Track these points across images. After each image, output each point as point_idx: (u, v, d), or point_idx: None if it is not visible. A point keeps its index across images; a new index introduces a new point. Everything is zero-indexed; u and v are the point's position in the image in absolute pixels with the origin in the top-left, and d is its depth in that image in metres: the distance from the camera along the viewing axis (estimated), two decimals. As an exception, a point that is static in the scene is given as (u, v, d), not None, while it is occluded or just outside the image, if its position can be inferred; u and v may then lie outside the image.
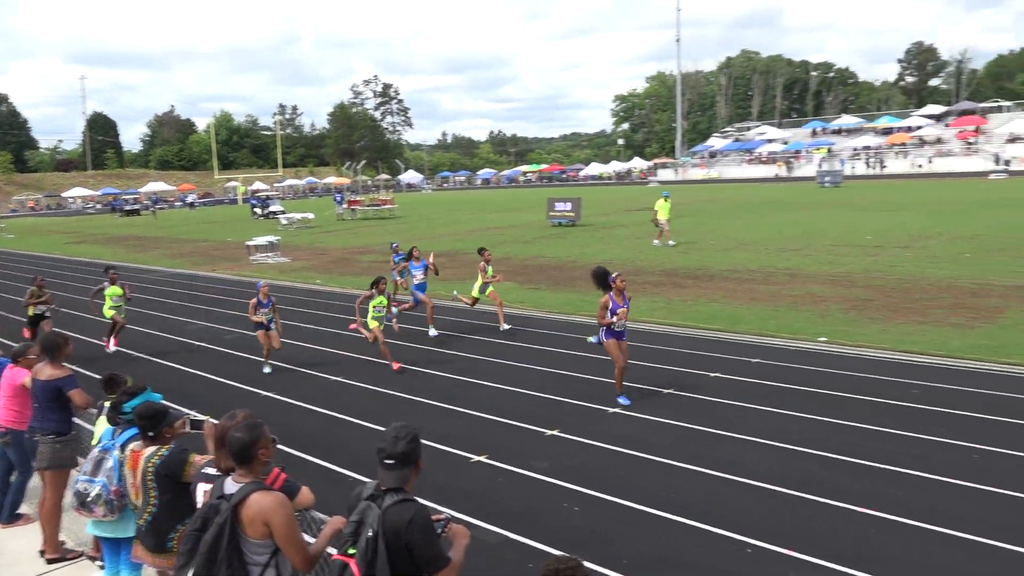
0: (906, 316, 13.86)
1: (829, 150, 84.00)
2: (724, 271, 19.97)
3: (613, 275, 9.78)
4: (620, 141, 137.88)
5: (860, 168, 75.97)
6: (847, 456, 7.73)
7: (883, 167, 75.13)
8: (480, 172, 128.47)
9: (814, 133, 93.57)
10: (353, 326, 12.42)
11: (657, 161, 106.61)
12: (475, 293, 14.41)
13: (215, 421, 4.26)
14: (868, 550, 5.92)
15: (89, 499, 5.05)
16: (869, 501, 6.69)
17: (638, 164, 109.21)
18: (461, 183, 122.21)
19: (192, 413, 4.76)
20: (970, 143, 75.38)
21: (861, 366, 10.97)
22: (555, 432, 8.78)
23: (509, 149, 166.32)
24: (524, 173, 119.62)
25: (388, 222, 44.69)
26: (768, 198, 49.15)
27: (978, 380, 10.13)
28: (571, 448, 8.33)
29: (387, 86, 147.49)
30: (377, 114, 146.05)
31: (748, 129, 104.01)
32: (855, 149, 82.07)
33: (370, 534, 3.31)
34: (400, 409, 9.88)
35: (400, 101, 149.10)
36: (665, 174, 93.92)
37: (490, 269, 14.39)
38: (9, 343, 9.21)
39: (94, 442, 5.54)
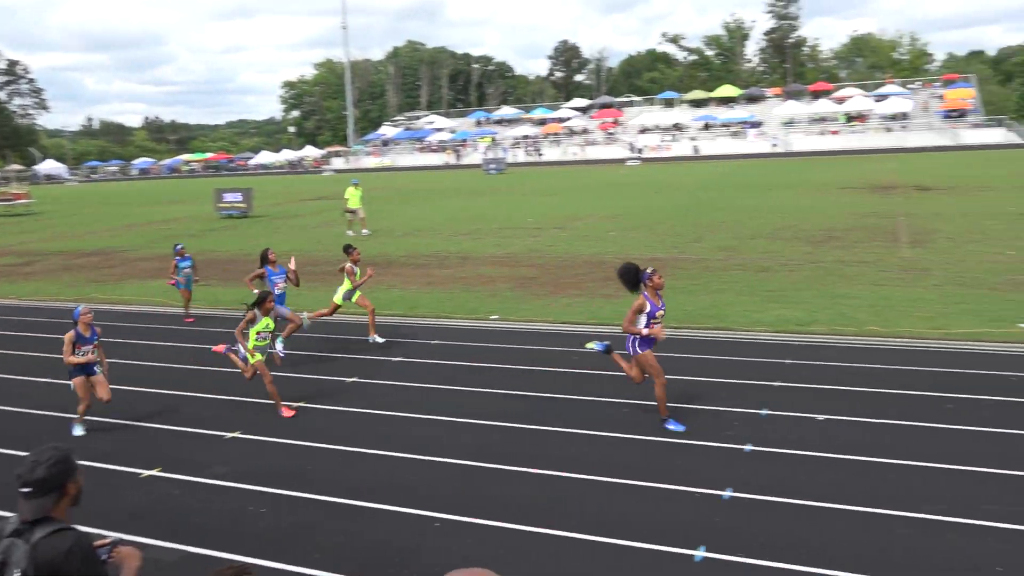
0: (565, 291, 15.27)
1: (493, 139, 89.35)
2: (401, 257, 20.43)
3: (648, 271, 8.15)
4: (291, 129, 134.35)
5: (521, 156, 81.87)
6: (522, 424, 8.35)
7: (540, 155, 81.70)
8: (136, 161, 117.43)
9: (479, 123, 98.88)
10: (218, 348, 9.86)
11: (330, 149, 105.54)
12: (338, 299, 12.20)
13: None
14: (552, 508, 6.46)
15: None
16: (543, 462, 7.30)
17: (311, 152, 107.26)
18: (114, 173, 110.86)
19: None
20: (610, 133, 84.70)
21: (530, 339, 11.89)
22: (236, 434, 8.39)
23: (168, 136, 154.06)
24: (187, 162, 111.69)
25: (24, 220, 39.25)
26: (440, 185, 51.08)
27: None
28: (254, 449, 8.02)
29: (12, 63, 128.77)
30: (3, 95, 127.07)
31: (418, 118, 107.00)
32: (515, 138, 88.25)
33: (17, 574, 2.92)
34: (56, 428, 8.77)
35: (31, 80, 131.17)
36: (339, 163, 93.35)
37: (359, 271, 12.21)
38: None
39: None
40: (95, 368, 8.65)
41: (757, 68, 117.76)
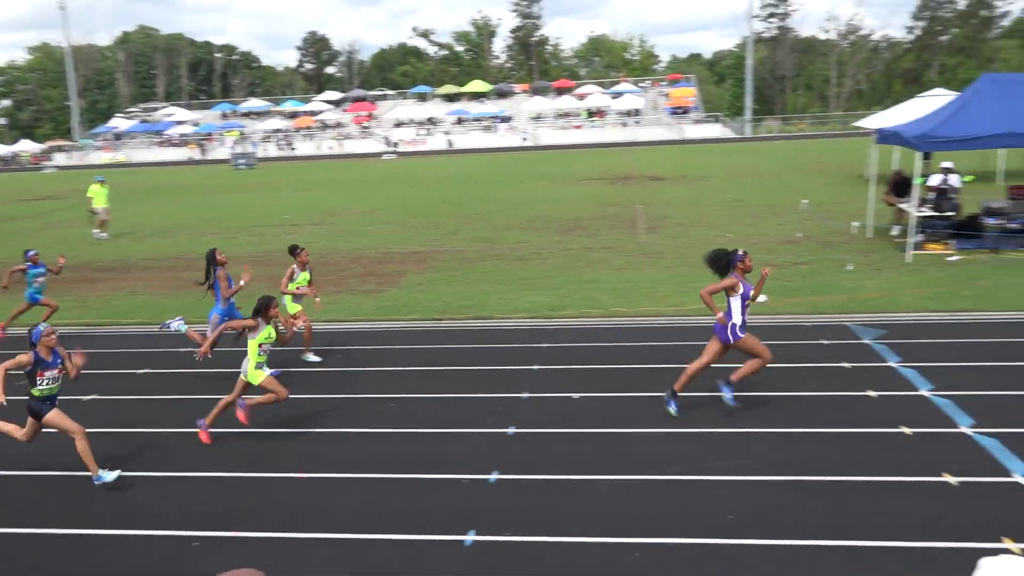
0: (325, 287, 14.93)
1: (241, 133, 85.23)
2: (144, 260, 18.93)
3: (740, 252, 8.00)
4: (2, 120, 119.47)
5: (272, 150, 78.83)
6: (286, 427, 8.09)
7: (293, 149, 79.18)
8: None
9: (224, 116, 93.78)
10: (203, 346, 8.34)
11: (52, 144, 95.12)
12: (291, 309, 10.39)
13: None
14: (319, 510, 6.32)
15: None
16: (308, 464, 7.13)
17: (28, 147, 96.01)
18: None
19: None
20: (365, 127, 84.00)
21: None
22: None
23: None
24: None
25: None
26: (184, 182, 47.88)
27: (385, 338, 11.49)
28: (-27, 483, 7.09)
29: None
30: None
31: (155, 110, 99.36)
32: (265, 132, 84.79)
33: None
34: None
35: None
36: (63, 158, 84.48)
37: (303, 276, 10.62)
38: None
39: None
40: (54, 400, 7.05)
41: (505, 65, 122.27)
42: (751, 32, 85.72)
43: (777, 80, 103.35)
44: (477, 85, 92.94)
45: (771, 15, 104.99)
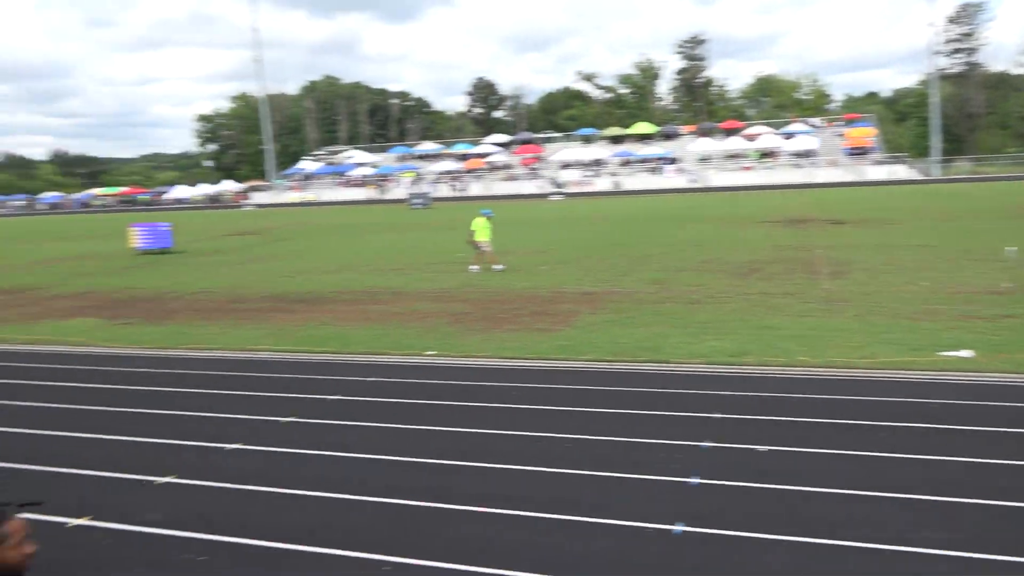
0: (501, 325, 15.22)
1: (416, 174, 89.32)
2: (332, 293, 20.06)
3: None
4: (208, 163, 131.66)
5: (445, 191, 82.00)
6: (458, 461, 8.21)
7: (464, 190, 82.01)
8: (44, 196, 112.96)
9: (401, 158, 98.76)
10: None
11: (250, 184, 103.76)
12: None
13: None
14: (497, 548, 6.33)
15: None
16: (494, 501, 7.17)
17: (230, 187, 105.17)
18: (20, 208, 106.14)
19: None
20: (532, 168, 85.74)
21: (468, 374, 11.76)
22: (169, 479, 7.99)
23: (77, 170, 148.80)
24: (99, 196, 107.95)
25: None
26: (365, 220, 50.65)
27: (562, 377, 11.48)
28: (187, 494, 7.65)
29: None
30: None
31: (339, 152, 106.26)
32: (438, 173, 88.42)
33: None
34: (-35, 481, 8.19)
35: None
36: (260, 197, 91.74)
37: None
38: None
39: None
40: None
41: (670, 107, 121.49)
42: (935, 68, 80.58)
43: (966, 118, 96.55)
44: (642, 127, 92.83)
45: (956, 50, 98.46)
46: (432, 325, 15.50)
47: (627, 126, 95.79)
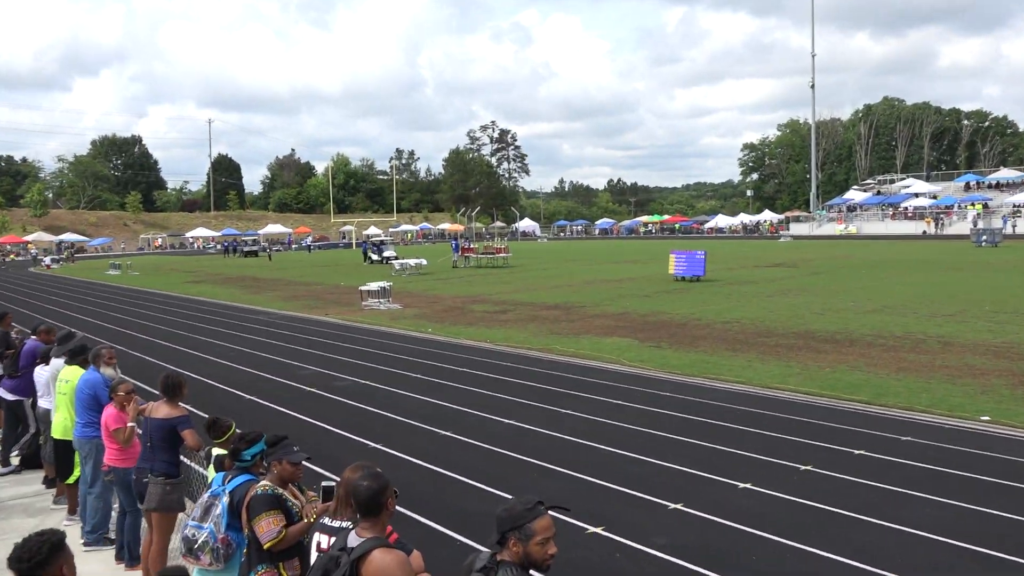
0: (1084, 396, 12.71)
1: (985, 206, 79.75)
2: (867, 335, 18.99)
3: None
4: (748, 192, 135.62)
5: (1022, 227, 71.61)
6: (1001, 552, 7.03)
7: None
8: (598, 222, 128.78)
9: (967, 187, 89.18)
10: None
11: (789, 214, 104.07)
12: None
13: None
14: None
15: (196, 546, 5.15)
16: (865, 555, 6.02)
17: (768, 217, 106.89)
18: (578, 232, 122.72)
19: (326, 482, 4.78)
20: None
21: (1033, 451, 10.07)
22: (678, 506, 8.40)
23: (628, 198, 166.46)
24: (645, 223, 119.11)
25: (502, 271, 45.14)
26: (915, 256, 46.91)
27: None
28: (694, 524, 7.95)
29: (504, 131, 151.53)
30: (493, 160, 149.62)
31: (891, 182, 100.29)
32: (1015, 205, 77.56)
33: None
34: (510, 470, 9.73)
35: (517, 147, 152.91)
36: (798, 228, 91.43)
37: None
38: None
39: (207, 484, 5.68)
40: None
41: None
42: None
43: None
44: None
45: None
46: (989, 385, 13.63)
47: None
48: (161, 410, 6.54)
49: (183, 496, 6.65)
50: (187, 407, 7.00)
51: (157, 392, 7.05)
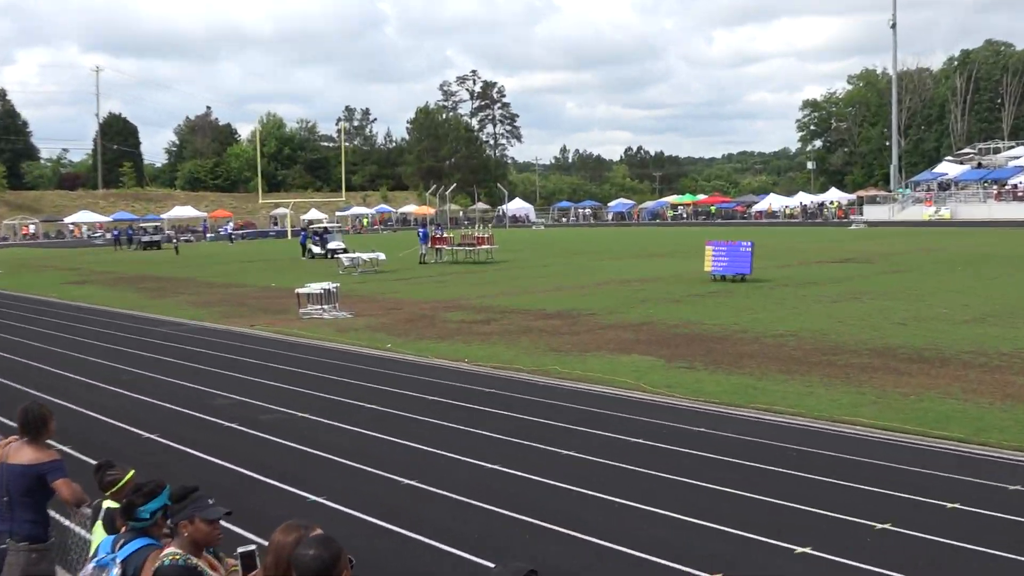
0: None
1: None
2: (962, 353, 19.08)
3: None
4: (809, 165, 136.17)
5: None
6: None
7: None
8: (612, 204, 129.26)
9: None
10: None
11: (863, 194, 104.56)
12: None
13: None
14: None
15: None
16: None
17: (835, 197, 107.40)
18: (586, 217, 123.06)
19: (245, 546, 4.72)
20: None
21: None
22: (806, 550, 8.42)
23: (652, 173, 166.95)
24: (673, 206, 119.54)
25: (487, 268, 45.17)
26: (1022, 250, 47.23)
27: None
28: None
29: (488, 85, 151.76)
30: (474, 122, 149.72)
31: (996, 151, 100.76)
32: None
33: None
34: (493, 530, 9.72)
35: (506, 105, 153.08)
36: (873, 212, 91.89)
37: None
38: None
39: (90, 553, 5.61)
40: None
41: None
42: None
43: None
44: None
45: None
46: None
47: None
48: (23, 453, 6.42)
49: (53, 567, 6.58)
50: (59, 447, 6.93)
51: (15, 427, 6.94)
